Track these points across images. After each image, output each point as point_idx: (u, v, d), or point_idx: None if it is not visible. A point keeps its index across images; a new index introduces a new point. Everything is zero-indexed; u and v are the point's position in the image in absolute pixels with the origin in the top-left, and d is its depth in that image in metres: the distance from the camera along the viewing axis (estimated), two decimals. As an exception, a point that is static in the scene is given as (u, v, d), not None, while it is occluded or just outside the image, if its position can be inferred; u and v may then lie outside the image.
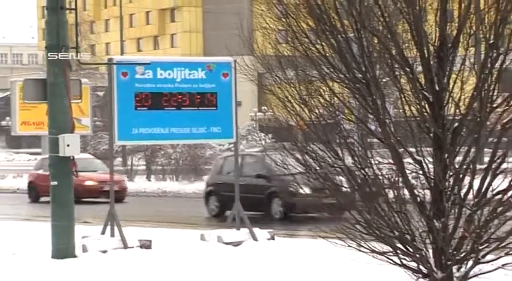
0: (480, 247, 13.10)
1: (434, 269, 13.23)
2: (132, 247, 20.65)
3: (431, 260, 13.23)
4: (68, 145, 19.81)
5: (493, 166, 12.97)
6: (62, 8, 20.42)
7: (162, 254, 19.72)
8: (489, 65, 12.80)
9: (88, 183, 45.84)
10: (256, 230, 22.04)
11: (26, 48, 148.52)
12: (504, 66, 12.88)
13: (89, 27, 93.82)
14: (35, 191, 48.51)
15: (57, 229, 20.01)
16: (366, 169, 13.50)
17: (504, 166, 13.04)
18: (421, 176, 13.19)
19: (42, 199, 45.00)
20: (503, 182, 13.04)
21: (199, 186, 51.54)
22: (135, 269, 17.76)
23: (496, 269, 13.03)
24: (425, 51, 12.82)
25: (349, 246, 13.60)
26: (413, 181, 13.30)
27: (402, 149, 13.21)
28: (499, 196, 13.06)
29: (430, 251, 13.21)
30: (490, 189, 13.01)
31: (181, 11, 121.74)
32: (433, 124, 12.90)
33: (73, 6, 21.58)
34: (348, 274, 14.60)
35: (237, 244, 21.27)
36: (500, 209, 13.05)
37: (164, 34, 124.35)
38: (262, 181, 35.14)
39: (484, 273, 13.16)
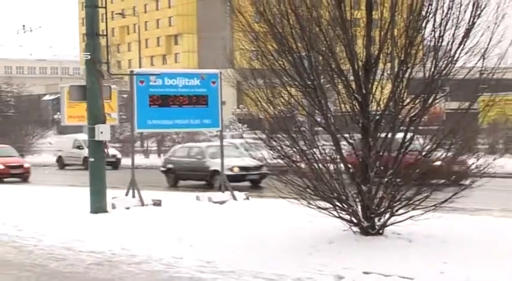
0: (394, 204, 13.17)
1: (362, 220, 13.30)
2: (147, 205, 20.69)
3: (360, 214, 13.29)
4: (101, 132, 19.81)
5: (404, 147, 13.04)
6: (97, 35, 20.42)
7: (168, 209, 19.74)
8: (400, 76, 12.89)
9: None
10: (236, 192, 22.06)
11: (71, 63, 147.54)
12: (411, 76, 12.95)
13: (116, 48, 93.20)
14: None
15: (94, 192, 20.03)
16: (314, 149, 13.54)
17: (411, 146, 13.11)
18: (352, 154, 13.24)
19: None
20: (410, 158, 13.12)
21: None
22: (149, 219, 17.79)
23: (405, 219, 13.10)
24: (356, 65, 12.88)
25: (302, 204, 13.63)
26: (347, 158, 13.35)
27: (339, 135, 13.25)
28: (409, 168, 13.13)
29: (359, 207, 13.27)
30: (402, 162, 13.08)
31: (182, 36, 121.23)
32: (361, 117, 12.96)
33: (105, 33, 21.54)
34: (301, 222, 14.61)
35: (222, 202, 21.26)
36: (409, 177, 13.13)
37: (170, 53, 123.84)
38: None
39: (397, 222, 13.23)
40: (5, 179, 38.01)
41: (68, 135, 47.41)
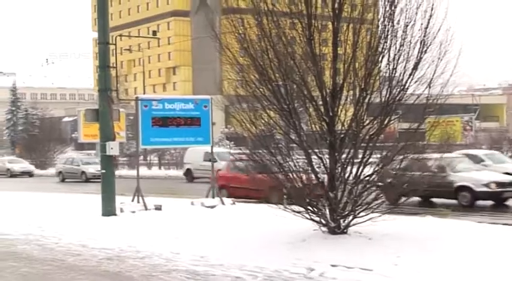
0: (356, 208, 13.17)
1: (330, 221, 13.29)
2: (150, 209, 20.57)
3: (328, 216, 13.28)
4: (112, 148, 19.77)
5: (364, 160, 13.06)
6: (108, 67, 20.39)
7: (168, 213, 19.68)
8: (361, 101, 12.91)
9: None
10: (224, 199, 21.99)
11: (86, 90, 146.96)
12: (370, 101, 12.98)
13: (124, 78, 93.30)
14: None
15: (105, 198, 19.97)
16: (289, 162, 13.52)
17: (370, 160, 13.12)
18: (321, 166, 13.23)
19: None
20: (369, 169, 13.13)
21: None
22: (151, 221, 17.75)
23: (365, 221, 13.09)
24: (324, 92, 12.90)
25: (279, 208, 13.61)
26: (317, 169, 13.34)
27: (311, 150, 13.25)
28: (367, 178, 13.14)
29: (327, 211, 13.26)
30: (362, 174, 13.08)
31: (179, 68, 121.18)
32: (329, 135, 12.97)
33: (114, 66, 21.56)
34: (279, 223, 14.59)
35: (212, 206, 21.19)
36: (368, 185, 13.14)
37: (169, 82, 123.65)
38: None
39: (358, 223, 13.22)
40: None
41: (197, 148, 36.06)
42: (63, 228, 17.55)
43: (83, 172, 48.88)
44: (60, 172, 51.56)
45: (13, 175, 57.91)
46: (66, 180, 49.61)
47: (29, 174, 58.65)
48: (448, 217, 17.70)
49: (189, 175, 43.94)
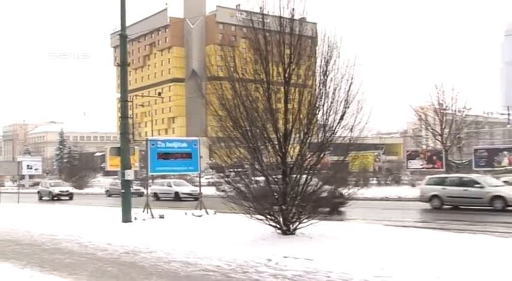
0: (301, 216, 13.07)
1: (282, 225, 13.18)
2: (156, 218, 20.34)
3: (281, 222, 13.17)
4: (129, 175, 19.52)
5: (307, 182, 13.00)
6: (127, 117, 20.22)
7: (168, 220, 19.44)
8: (304, 141, 12.89)
9: None
10: (208, 210, 21.76)
11: (112, 133, 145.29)
12: (310, 141, 12.98)
13: (138, 125, 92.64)
14: None
15: (124, 210, 19.64)
16: (254, 184, 13.42)
17: (312, 182, 13.07)
18: (277, 187, 13.15)
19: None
20: (312, 189, 13.08)
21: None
22: (157, 226, 17.48)
23: (308, 225, 13.00)
24: (279, 135, 12.87)
25: (247, 217, 13.47)
26: (273, 189, 13.24)
27: (269, 176, 13.16)
28: (310, 195, 13.07)
29: (281, 218, 13.16)
30: (306, 192, 13.02)
31: (177, 118, 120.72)
32: (282, 165, 12.91)
33: (131, 116, 21.46)
34: (247, 227, 14.42)
35: (200, 216, 20.98)
36: (310, 200, 13.07)
37: (170, 128, 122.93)
38: None
39: (303, 227, 13.12)
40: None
41: None
42: (94, 231, 17.19)
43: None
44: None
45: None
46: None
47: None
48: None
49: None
